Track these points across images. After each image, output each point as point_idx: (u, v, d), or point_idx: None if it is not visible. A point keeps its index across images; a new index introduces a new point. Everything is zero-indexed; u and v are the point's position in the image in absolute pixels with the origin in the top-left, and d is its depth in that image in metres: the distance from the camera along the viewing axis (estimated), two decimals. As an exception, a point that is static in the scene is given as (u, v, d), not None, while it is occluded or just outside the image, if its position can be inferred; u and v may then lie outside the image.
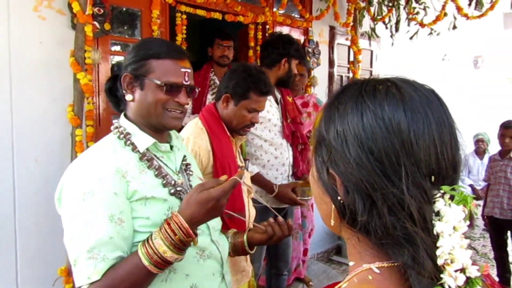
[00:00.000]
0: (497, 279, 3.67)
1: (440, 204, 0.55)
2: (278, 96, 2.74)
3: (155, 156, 1.22)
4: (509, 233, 3.68)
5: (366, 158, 0.56)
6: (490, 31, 7.12)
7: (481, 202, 4.42)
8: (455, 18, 4.32)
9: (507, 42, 7.64)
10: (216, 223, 1.33)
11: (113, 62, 2.78)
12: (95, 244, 1.02)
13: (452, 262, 0.53)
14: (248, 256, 1.92)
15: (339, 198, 0.61)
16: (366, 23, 4.21)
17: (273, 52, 2.68)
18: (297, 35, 3.84)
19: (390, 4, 4.15)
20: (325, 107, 0.66)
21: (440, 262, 0.54)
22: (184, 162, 1.32)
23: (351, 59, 4.39)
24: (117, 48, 2.82)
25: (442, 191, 0.56)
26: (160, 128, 1.23)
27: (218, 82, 3.31)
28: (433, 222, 0.55)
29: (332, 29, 4.25)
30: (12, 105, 2.27)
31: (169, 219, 1.06)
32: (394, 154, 0.55)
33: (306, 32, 3.95)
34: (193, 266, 1.20)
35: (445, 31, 4.41)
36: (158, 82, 1.17)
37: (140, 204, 1.11)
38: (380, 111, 0.57)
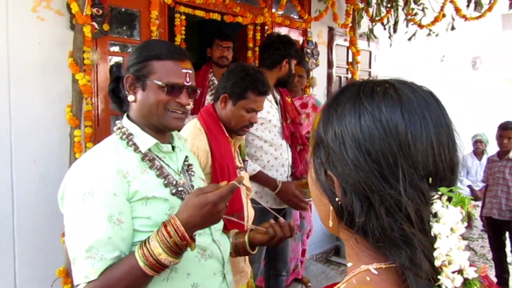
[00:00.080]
0: (495, 279, 3.68)
1: (437, 206, 0.55)
2: (278, 97, 2.75)
3: (157, 156, 1.23)
4: (507, 233, 3.68)
5: (363, 160, 0.57)
6: (489, 32, 7.13)
7: (479, 203, 4.42)
8: (453, 19, 4.33)
9: (505, 43, 7.66)
10: None
11: (112, 63, 2.78)
12: (94, 244, 1.04)
13: (449, 263, 0.53)
14: (247, 257, 1.92)
15: (337, 199, 0.61)
16: (365, 24, 4.22)
17: (274, 53, 2.68)
18: (295, 36, 3.85)
19: (389, 5, 4.15)
20: (323, 109, 0.66)
21: (437, 263, 0.54)
22: (186, 163, 1.33)
23: (350, 60, 4.39)
24: (116, 48, 2.82)
25: (439, 193, 0.56)
26: (161, 128, 1.24)
27: (217, 83, 3.30)
28: (431, 223, 0.55)
29: (330, 30, 4.26)
30: (10, 105, 2.27)
31: (167, 222, 1.06)
32: (391, 155, 0.56)
33: (304, 33, 3.96)
34: (194, 266, 1.20)
35: (444, 32, 4.42)
36: (160, 83, 1.19)
37: (141, 204, 1.12)
38: (377, 112, 0.58)
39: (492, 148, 4.43)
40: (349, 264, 0.64)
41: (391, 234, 0.55)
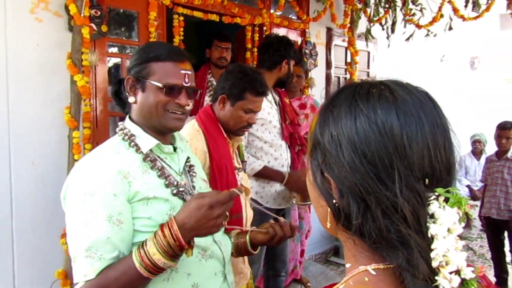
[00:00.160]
0: (494, 279, 3.68)
1: (434, 207, 0.55)
2: (277, 98, 2.76)
3: (159, 157, 1.24)
4: (506, 233, 3.69)
5: (359, 162, 0.57)
6: (487, 32, 7.14)
7: (478, 203, 4.43)
8: (451, 19, 4.33)
9: (503, 43, 7.67)
10: None
11: (110, 64, 2.78)
12: (93, 244, 1.05)
13: (446, 264, 0.54)
14: (246, 258, 1.92)
15: (334, 201, 0.61)
16: (363, 24, 4.23)
17: (274, 54, 2.69)
18: (294, 36, 3.85)
19: (387, 6, 4.16)
20: (320, 111, 0.66)
21: (434, 264, 0.54)
22: (187, 164, 1.34)
23: (348, 60, 4.40)
24: (114, 50, 2.82)
25: (436, 194, 0.56)
26: (161, 129, 1.25)
27: (215, 84, 3.31)
28: (428, 224, 0.55)
29: (329, 30, 4.26)
30: (9, 107, 2.27)
31: (165, 223, 1.07)
32: (387, 157, 0.56)
33: (303, 33, 3.96)
34: (195, 266, 1.21)
35: (442, 32, 4.42)
36: (158, 84, 1.20)
37: (142, 204, 1.14)
38: (373, 114, 0.58)
39: (491, 148, 4.43)
40: (347, 265, 0.64)
41: (387, 235, 0.56)
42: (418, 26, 4.34)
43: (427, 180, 0.56)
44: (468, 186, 5.64)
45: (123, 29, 2.86)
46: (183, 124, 1.29)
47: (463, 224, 0.56)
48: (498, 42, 7.62)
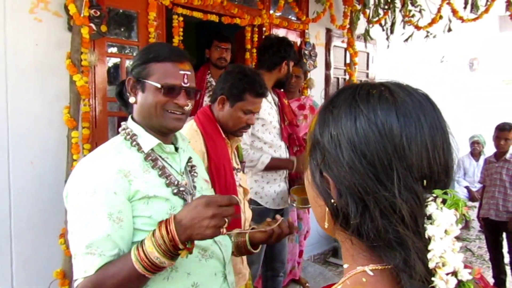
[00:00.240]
0: (492, 280, 3.69)
1: (432, 208, 0.55)
2: (276, 98, 2.76)
3: (160, 156, 1.25)
4: (504, 234, 3.69)
5: (359, 162, 0.57)
6: (486, 33, 7.16)
7: (476, 204, 4.44)
8: (450, 20, 4.34)
9: (502, 44, 7.69)
10: None
11: (110, 64, 2.78)
12: (94, 241, 1.07)
13: (443, 265, 0.54)
14: (245, 259, 1.92)
15: (332, 201, 0.61)
16: (362, 25, 4.23)
17: (274, 55, 2.70)
18: (293, 37, 3.86)
19: (386, 7, 4.16)
20: (320, 111, 0.66)
21: (431, 265, 0.54)
22: (189, 164, 1.35)
23: (348, 61, 4.41)
24: (113, 50, 2.82)
25: (434, 195, 0.56)
26: (161, 129, 1.26)
27: (215, 84, 3.31)
28: (425, 225, 0.56)
29: (328, 31, 4.27)
30: (8, 107, 2.26)
31: (164, 220, 1.07)
32: (386, 158, 0.56)
33: (302, 34, 3.96)
34: (195, 265, 1.21)
35: (441, 33, 4.43)
36: (157, 84, 1.21)
37: (143, 203, 1.15)
38: (373, 115, 0.58)
39: (489, 149, 4.44)
40: (345, 266, 0.64)
41: (385, 235, 0.56)
42: (417, 27, 4.35)
43: (425, 182, 0.56)
44: (466, 187, 5.64)
45: (122, 29, 2.86)
46: (182, 124, 1.29)
47: (460, 226, 0.57)
48: (497, 44, 7.64)
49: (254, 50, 3.52)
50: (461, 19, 4.36)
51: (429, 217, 0.56)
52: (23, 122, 2.32)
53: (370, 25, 4.23)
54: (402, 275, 0.55)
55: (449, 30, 4.37)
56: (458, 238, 0.56)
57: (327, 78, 4.34)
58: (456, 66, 6.72)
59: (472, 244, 5.10)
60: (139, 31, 2.79)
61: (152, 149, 1.23)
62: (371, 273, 0.58)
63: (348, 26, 4.10)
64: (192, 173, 1.34)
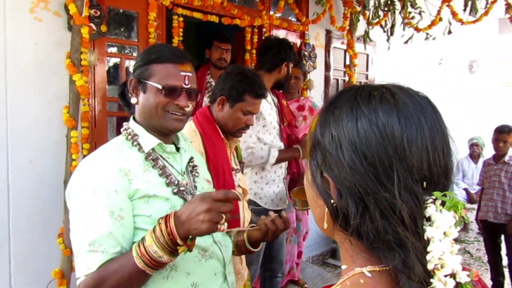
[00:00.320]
0: (490, 283, 3.69)
1: (431, 210, 0.56)
2: (275, 99, 2.77)
3: (161, 156, 1.26)
4: (502, 236, 3.70)
5: (359, 163, 0.57)
6: (485, 36, 7.18)
7: (475, 206, 4.44)
8: (450, 23, 4.35)
9: (502, 47, 7.71)
10: None
11: (110, 64, 2.78)
12: (96, 238, 1.08)
13: (442, 267, 0.54)
14: (243, 259, 1.92)
15: (332, 201, 0.62)
16: (362, 27, 4.24)
17: (274, 56, 2.71)
18: (293, 38, 3.86)
19: (386, 9, 4.17)
20: (321, 112, 0.67)
21: (430, 267, 0.54)
22: (191, 164, 1.36)
23: (347, 62, 4.41)
24: (113, 50, 2.82)
25: (433, 197, 0.56)
26: (162, 130, 1.27)
27: (214, 85, 3.31)
28: (424, 227, 0.56)
29: (328, 32, 4.27)
30: (7, 106, 2.26)
31: (166, 215, 1.07)
32: (387, 159, 0.56)
33: (302, 35, 3.97)
34: (195, 265, 1.22)
35: (441, 36, 4.44)
36: (158, 85, 1.22)
37: (143, 202, 1.16)
38: (374, 117, 0.58)
39: (488, 152, 4.45)
40: (343, 267, 0.64)
41: (385, 236, 0.56)
42: (417, 29, 4.35)
43: (425, 183, 0.57)
44: (465, 189, 5.65)
45: (122, 29, 2.86)
46: (183, 125, 1.30)
47: (459, 228, 0.57)
48: (496, 46, 7.66)
49: (254, 51, 3.52)
50: (461, 21, 4.36)
51: (429, 219, 0.56)
52: (22, 122, 2.32)
53: (370, 27, 4.23)
54: (400, 276, 0.55)
55: (449, 32, 4.38)
56: (456, 240, 0.57)
57: (327, 80, 4.34)
58: (456, 68, 6.73)
59: (471, 246, 5.11)
60: (139, 31, 2.79)
61: (153, 149, 1.24)
62: (369, 275, 0.59)
63: (348, 27, 4.11)
64: (194, 173, 1.35)
